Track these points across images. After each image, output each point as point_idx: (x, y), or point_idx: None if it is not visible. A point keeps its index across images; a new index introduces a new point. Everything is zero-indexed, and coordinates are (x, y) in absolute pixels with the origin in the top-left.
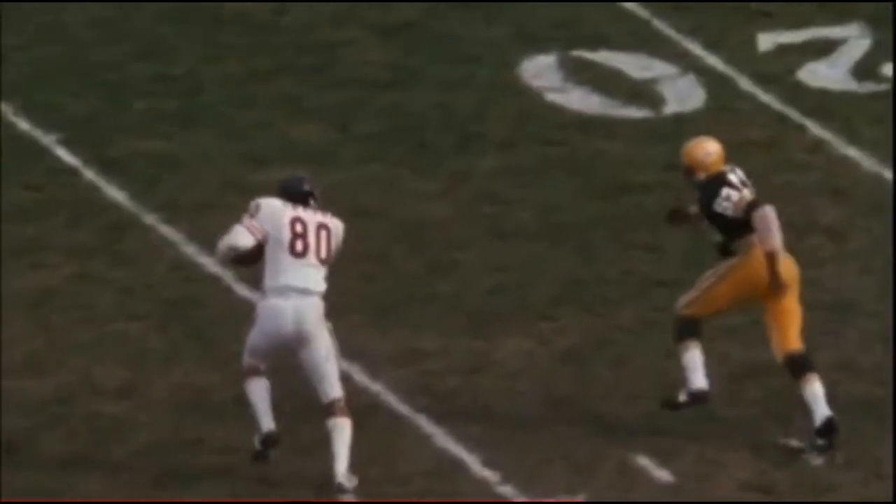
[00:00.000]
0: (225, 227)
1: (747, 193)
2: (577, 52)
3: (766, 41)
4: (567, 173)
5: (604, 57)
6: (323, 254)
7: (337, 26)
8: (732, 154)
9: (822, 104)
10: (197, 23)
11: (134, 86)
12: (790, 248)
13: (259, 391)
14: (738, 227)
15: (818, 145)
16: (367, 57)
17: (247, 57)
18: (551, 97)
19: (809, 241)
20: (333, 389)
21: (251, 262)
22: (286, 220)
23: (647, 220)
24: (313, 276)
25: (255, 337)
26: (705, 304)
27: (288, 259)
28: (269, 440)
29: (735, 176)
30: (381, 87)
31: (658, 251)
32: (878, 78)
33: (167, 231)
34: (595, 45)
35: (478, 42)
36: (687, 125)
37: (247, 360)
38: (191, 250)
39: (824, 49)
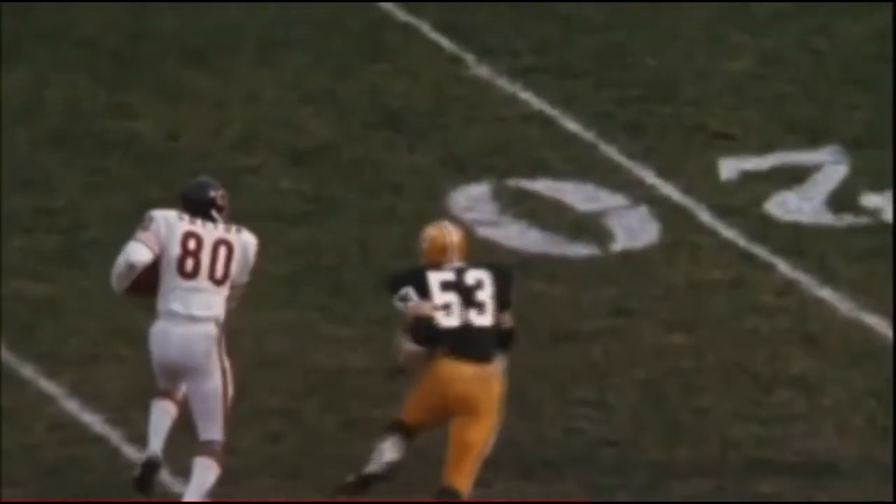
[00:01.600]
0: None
1: (428, 308)
2: (513, 181)
3: (729, 168)
4: None
5: (544, 186)
6: (218, 274)
7: (240, 151)
8: (691, 296)
9: (794, 240)
10: (79, 149)
11: (10, 221)
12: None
13: (156, 413)
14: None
15: (789, 286)
16: (275, 185)
17: (136, 187)
18: (484, 232)
19: (778, 395)
20: (211, 431)
21: (149, 289)
22: (178, 235)
23: (593, 373)
24: (204, 301)
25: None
26: (406, 410)
27: (176, 280)
28: (148, 463)
29: (441, 276)
30: (292, 221)
31: (605, 408)
32: (858, 210)
33: (47, 385)
34: (534, 172)
35: (401, 169)
36: (638, 264)
37: (157, 381)
38: (73, 406)
39: (795, 177)
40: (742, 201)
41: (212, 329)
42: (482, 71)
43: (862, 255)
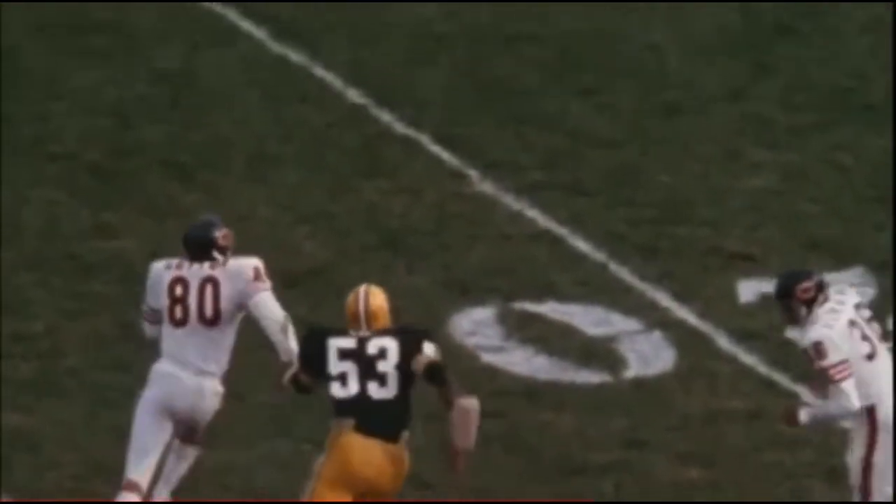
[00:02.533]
0: None
1: (287, 378)
2: (519, 304)
3: (748, 290)
4: (507, 451)
5: (551, 309)
6: (208, 313)
7: None
8: (708, 427)
9: None
10: (58, 270)
11: None
12: None
13: None
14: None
15: None
16: None
17: (119, 310)
18: (489, 358)
19: None
20: (139, 471)
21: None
22: (165, 286)
23: None
24: (196, 349)
25: None
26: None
27: (168, 329)
28: None
29: (341, 342)
30: None
31: None
32: (885, 334)
33: None
34: (541, 295)
35: (399, 292)
36: (652, 392)
37: (126, 469)
38: None
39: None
40: (762, 326)
41: (219, 386)
42: (486, 187)
43: None
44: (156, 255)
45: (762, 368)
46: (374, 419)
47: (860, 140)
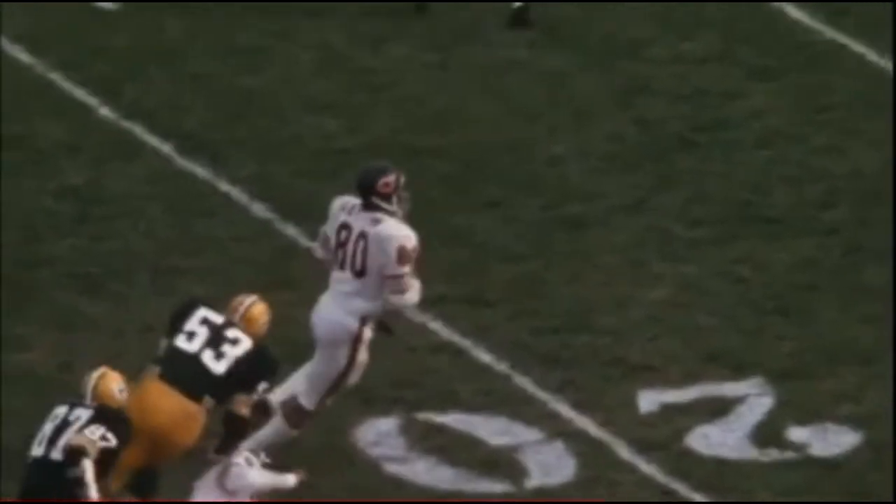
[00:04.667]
0: None
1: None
2: (422, 415)
3: (649, 400)
4: None
5: (455, 420)
6: (358, 266)
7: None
8: None
9: (716, 475)
10: None
11: None
12: None
13: None
14: None
15: None
16: None
17: (27, 422)
18: (392, 469)
19: None
20: (303, 396)
21: None
22: (336, 226)
23: None
24: (344, 293)
25: None
26: None
27: (334, 271)
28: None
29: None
30: None
31: None
32: (783, 444)
33: None
34: (444, 406)
35: None
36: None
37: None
38: None
39: (718, 410)
40: (662, 435)
41: (342, 320)
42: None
43: (788, 492)
44: (66, 368)
45: (661, 477)
46: (182, 372)
47: (759, 253)
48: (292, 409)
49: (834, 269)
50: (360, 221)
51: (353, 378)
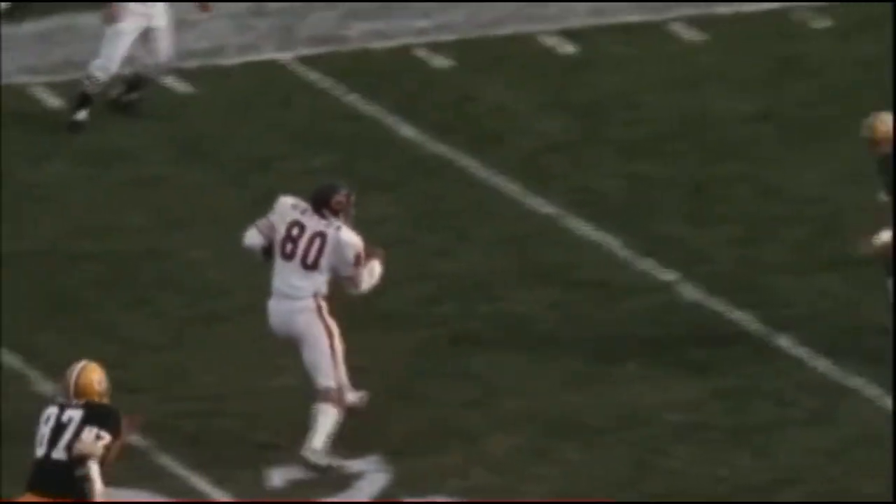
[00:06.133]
0: None
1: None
2: None
3: (278, 477)
4: None
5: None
6: (310, 260)
7: None
8: None
9: None
10: None
11: None
12: None
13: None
14: None
15: None
16: None
17: None
18: None
19: None
20: (321, 379)
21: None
22: (287, 222)
23: None
24: (297, 280)
25: None
26: None
27: (278, 261)
28: None
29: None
30: None
31: None
32: None
33: None
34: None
35: None
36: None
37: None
38: None
39: (339, 485)
40: None
41: (305, 303)
42: (48, 387)
43: None
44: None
45: None
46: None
47: (375, 341)
48: (326, 394)
49: (441, 357)
50: (313, 223)
51: (338, 340)
